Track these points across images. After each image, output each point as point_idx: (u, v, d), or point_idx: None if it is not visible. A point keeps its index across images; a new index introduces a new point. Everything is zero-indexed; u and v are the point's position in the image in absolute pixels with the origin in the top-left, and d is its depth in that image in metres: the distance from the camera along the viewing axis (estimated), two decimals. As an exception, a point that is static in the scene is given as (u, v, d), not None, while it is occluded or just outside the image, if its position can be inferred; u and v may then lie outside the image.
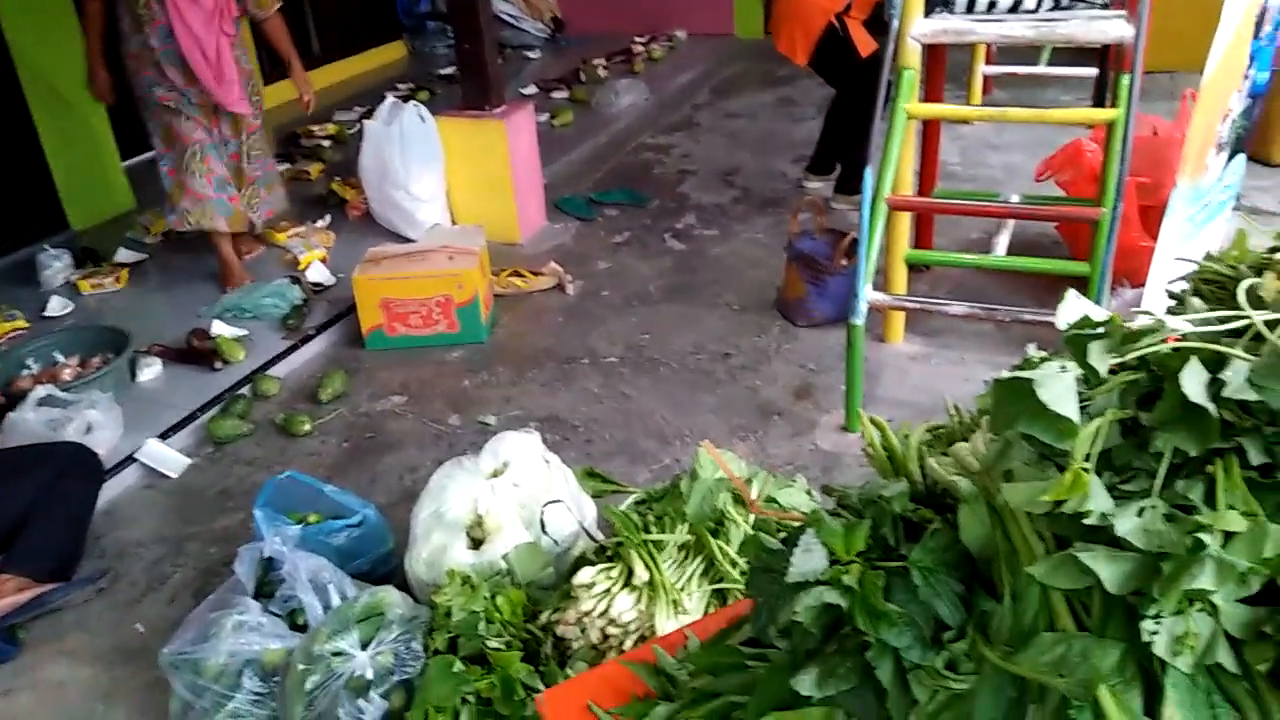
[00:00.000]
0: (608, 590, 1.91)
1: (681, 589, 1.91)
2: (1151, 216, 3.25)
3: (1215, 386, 0.79)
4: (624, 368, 3.59)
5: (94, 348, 3.57)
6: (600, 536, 2.28)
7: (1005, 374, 0.84)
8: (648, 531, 2.01)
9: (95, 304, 4.19)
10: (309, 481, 2.53)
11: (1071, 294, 0.89)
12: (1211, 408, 0.77)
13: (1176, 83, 5.12)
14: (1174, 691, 0.73)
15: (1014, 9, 2.99)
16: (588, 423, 3.26)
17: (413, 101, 4.54)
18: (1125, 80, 2.72)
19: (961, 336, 3.56)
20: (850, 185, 4.74)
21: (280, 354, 3.71)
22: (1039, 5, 2.98)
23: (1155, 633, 0.73)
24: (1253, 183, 4.52)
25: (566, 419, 3.29)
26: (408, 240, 4.37)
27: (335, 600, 2.10)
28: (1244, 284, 0.87)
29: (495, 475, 2.33)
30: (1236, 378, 0.78)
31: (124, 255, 4.55)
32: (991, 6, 3.02)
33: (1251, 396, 0.77)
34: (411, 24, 8.54)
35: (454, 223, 4.64)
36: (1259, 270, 0.94)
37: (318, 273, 4.24)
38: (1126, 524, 0.76)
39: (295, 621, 2.11)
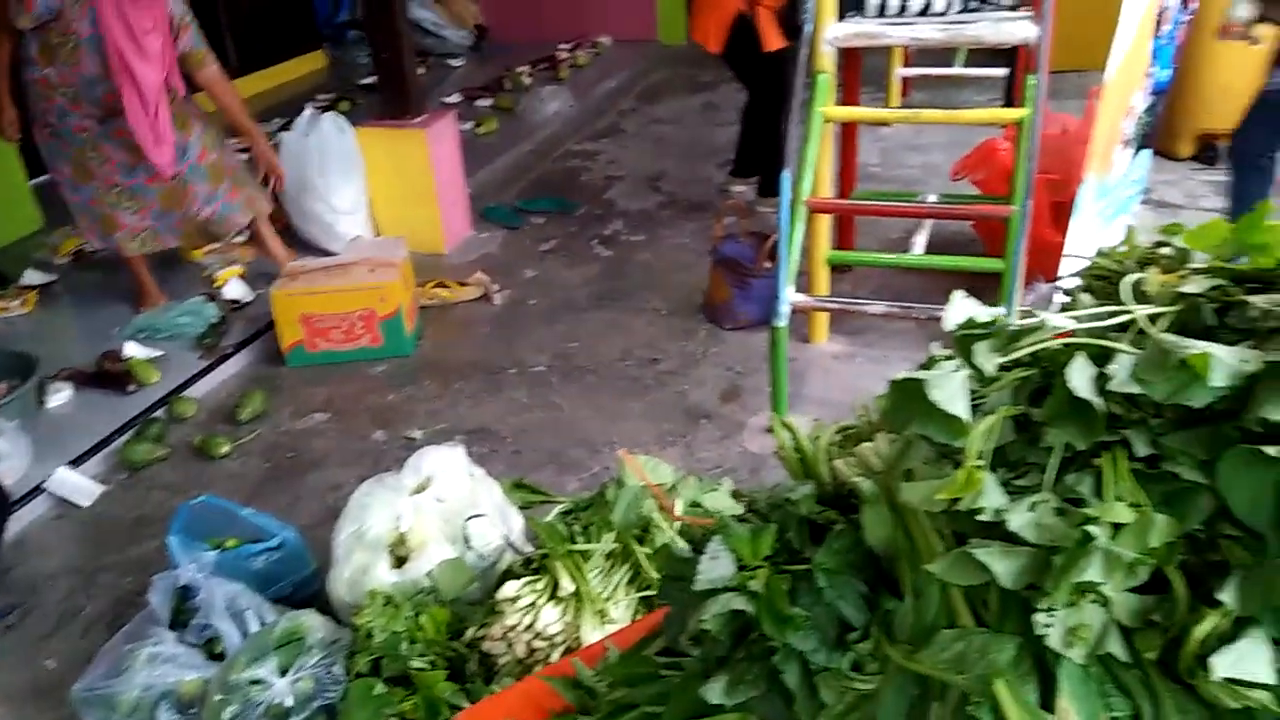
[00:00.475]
0: (533, 603, 1.89)
1: (608, 598, 1.90)
2: (1063, 213, 3.33)
3: (1102, 381, 0.80)
4: (552, 376, 3.57)
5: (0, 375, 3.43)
6: (527, 549, 2.25)
7: (900, 375, 0.84)
8: (574, 541, 1.99)
9: (2, 328, 4.02)
10: (225, 505, 2.46)
11: (958, 295, 0.89)
12: (1098, 402, 0.78)
13: (1086, 81, 5.24)
14: (1067, 682, 0.74)
15: (924, 12, 3.05)
16: (516, 433, 3.23)
17: (331, 112, 4.46)
18: (1032, 80, 2.78)
19: (884, 335, 3.61)
20: (773, 188, 4.78)
21: (197, 374, 3.61)
22: (948, 8, 3.04)
23: (1049, 626, 0.74)
24: (1159, 177, 4.68)
25: (495, 430, 3.25)
26: (329, 254, 4.29)
27: (254, 627, 2.04)
28: (1127, 279, 0.89)
29: (419, 491, 2.30)
30: (1121, 372, 0.79)
31: (32, 277, 4.38)
32: (902, 10, 3.07)
33: (1136, 389, 0.78)
34: (331, 34, 8.41)
35: (377, 235, 4.57)
36: (1144, 265, 0.96)
37: (236, 289, 4.13)
38: (1019, 519, 0.77)
39: (213, 651, 2.04)
